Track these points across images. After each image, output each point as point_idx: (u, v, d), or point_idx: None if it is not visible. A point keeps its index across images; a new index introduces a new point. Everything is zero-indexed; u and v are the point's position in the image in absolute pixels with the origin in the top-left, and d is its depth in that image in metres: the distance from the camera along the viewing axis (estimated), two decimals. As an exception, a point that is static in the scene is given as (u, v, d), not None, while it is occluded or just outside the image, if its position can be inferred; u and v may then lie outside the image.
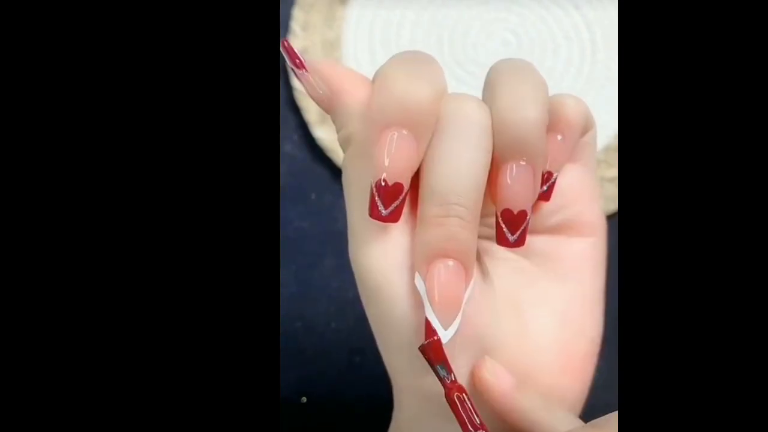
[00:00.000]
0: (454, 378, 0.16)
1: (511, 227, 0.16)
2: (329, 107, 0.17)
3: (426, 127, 0.16)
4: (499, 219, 0.16)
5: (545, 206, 0.18)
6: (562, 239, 0.19)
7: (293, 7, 0.37)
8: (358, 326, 0.32)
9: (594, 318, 0.19)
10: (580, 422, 0.17)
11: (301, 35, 0.36)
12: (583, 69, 0.36)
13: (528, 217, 0.16)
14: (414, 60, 0.16)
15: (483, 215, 0.17)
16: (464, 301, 0.16)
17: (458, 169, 0.15)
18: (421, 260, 0.16)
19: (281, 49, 0.17)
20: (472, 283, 0.16)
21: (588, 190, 0.19)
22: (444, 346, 0.16)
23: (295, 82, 0.35)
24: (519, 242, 0.17)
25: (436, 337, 0.16)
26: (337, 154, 0.34)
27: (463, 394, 0.16)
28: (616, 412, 0.15)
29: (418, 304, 0.16)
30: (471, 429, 0.16)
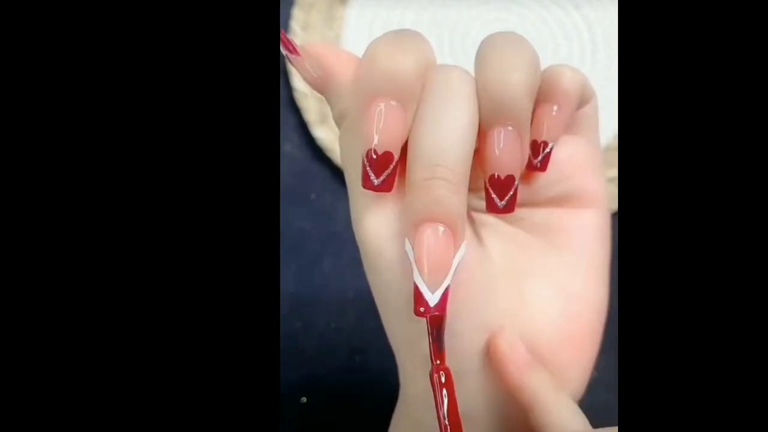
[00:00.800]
0: (441, 360, 0.16)
1: (499, 192, 0.16)
2: (323, 87, 0.18)
3: (412, 97, 0.16)
4: (487, 185, 0.16)
5: (545, 178, 0.18)
6: (564, 211, 0.19)
7: (293, 7, 0.37)
8: (358, 326, 0.32)
9: (598, 290, 0.19)
10: (583, 417, 0.17)
11: (301, 35, 0.36)
12: (583, 69, 0.36)
13: (516, 183, 0.16)
14: (400, 35, 0.17)
15: (479, 189, 0.17)
16: (453, 266, 0.16)
17: (442, 133, 0.16)
18: (408, 225, 0.16)
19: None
20: (462, 247, 0.16)
21: (589, 162, 0.19)
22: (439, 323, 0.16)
23: (296, 83, 0.35)
24: (508, 208, 0.16)
25: (427, 310, 0.16)
26: (336, 154, 0.34)
27: (444, 376, 0.16)
28: (616, 427, 0.15)
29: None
30: (441, 415, 0.16)
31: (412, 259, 0.16)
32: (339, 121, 0.18)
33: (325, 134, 0.34)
